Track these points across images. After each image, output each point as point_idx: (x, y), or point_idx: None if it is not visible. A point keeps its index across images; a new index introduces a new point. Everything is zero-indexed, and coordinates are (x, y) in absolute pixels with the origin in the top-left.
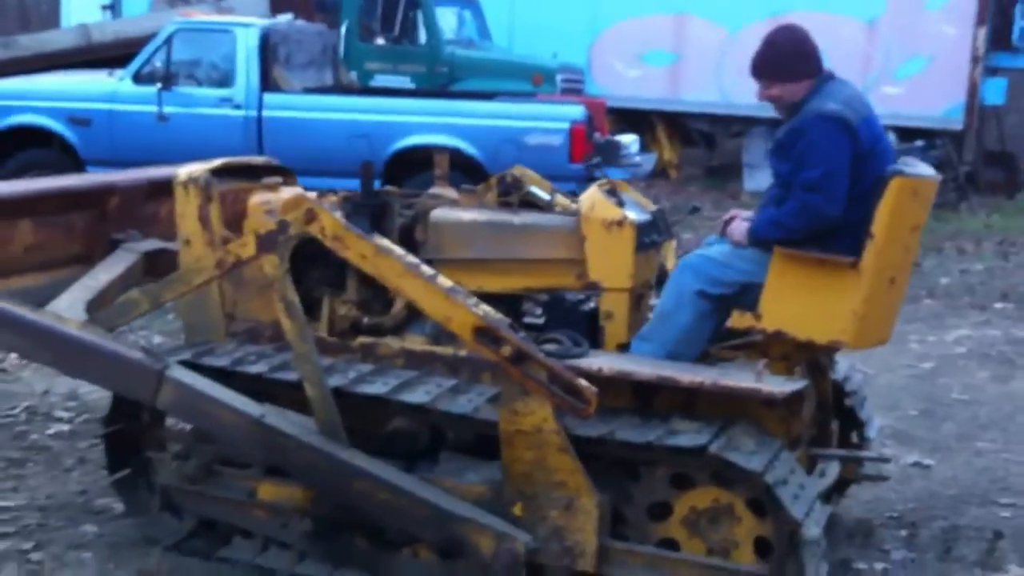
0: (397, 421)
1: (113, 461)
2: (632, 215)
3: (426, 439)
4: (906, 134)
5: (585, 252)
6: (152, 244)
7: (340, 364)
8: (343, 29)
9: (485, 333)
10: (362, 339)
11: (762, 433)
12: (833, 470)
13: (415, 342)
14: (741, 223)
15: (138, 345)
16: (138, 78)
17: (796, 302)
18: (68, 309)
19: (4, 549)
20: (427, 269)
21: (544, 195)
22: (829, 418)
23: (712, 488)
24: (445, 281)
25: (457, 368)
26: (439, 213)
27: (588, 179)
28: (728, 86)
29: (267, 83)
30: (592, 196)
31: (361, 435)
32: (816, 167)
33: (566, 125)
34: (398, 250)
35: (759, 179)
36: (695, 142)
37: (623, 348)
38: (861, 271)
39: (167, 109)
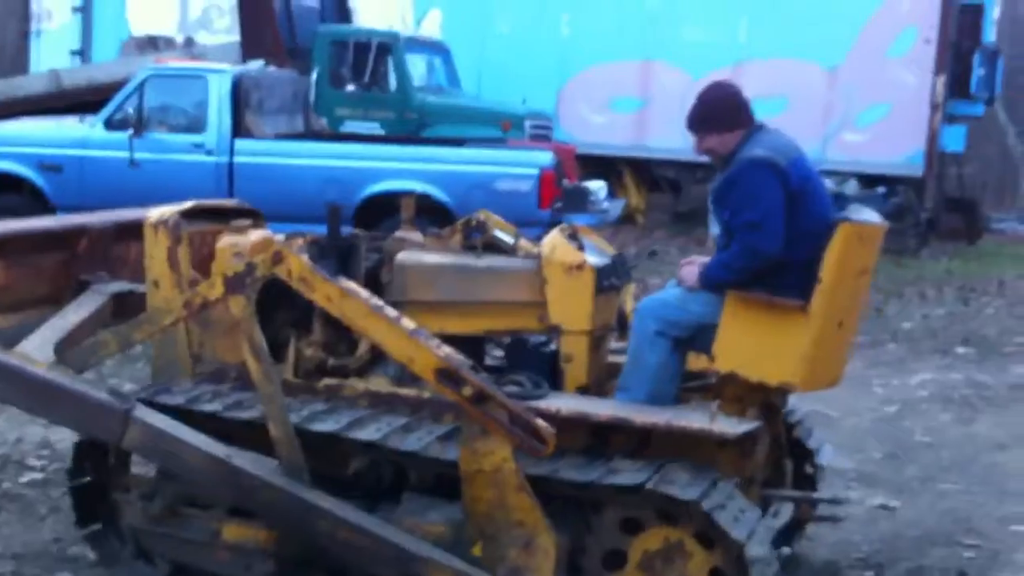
0: (357, 461)
1: (81, 512)
2: (592, 259)
3: (388, 479)
4: (867, 181)
5: (546, 295)
6: (121, 286)
7: (295, 403)
8: (314, 76)
9: (447, 374)
10: (327, 381)
11: (699, 468)
12: (786, 511)
13: (379, 384)
14: (692, 268)
15: (104, 386)
16: (110, 124)
17: (748, 345)
18: (36, 350)
19: None
20: (391, 311)
21: (508, 239)
22: (783, 457)
23: (661, 528)
24: (409, 323)
25: (419, 409)
26: (404, 256)
27: (555, 224)
28: None
29: (239, 129)
30: (553, 240)
31: (325, 477)
32: (752, 210)
33: (535, 171)
34: (363, 292)
35: None
36: (662, 188)
37: (582, 390)
38: (810, 315)
39: (138, 155)
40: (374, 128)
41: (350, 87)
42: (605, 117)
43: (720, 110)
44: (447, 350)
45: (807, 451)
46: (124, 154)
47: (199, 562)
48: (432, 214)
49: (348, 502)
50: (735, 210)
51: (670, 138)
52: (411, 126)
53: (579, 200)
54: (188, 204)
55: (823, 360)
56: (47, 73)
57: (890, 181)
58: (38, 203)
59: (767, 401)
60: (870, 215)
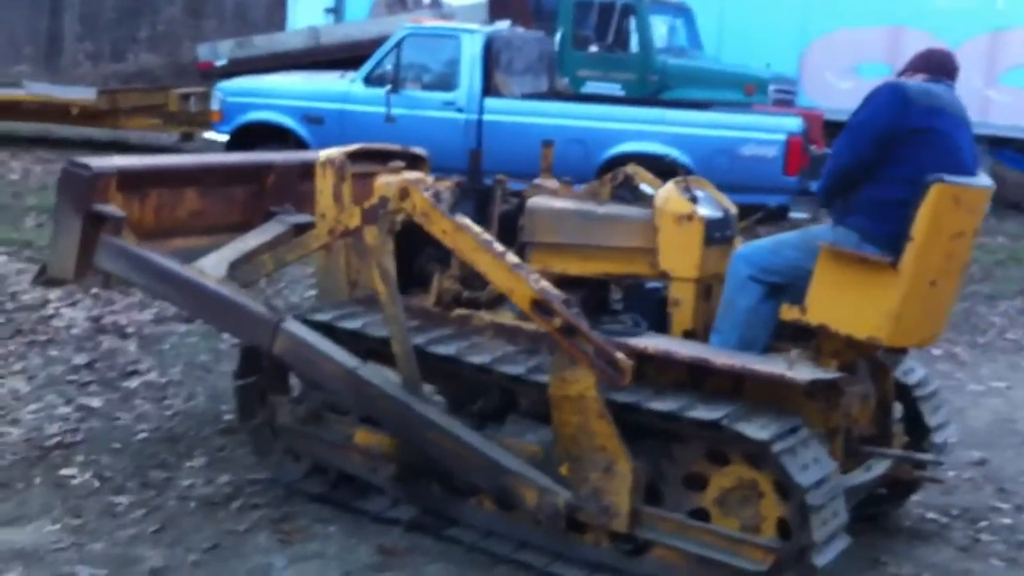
0: (472, 383)
1: (244, 410)
2: (703, 211)
3: (496, 401)
4: None
5: (657, 243)
6: (302, 218)
7: (428, 327)
8: (558, 36)
9: (541, 306)
10: (459, 311)
11: (782, 413)
12: (880, 467)
13: (504, 317)
14: None
15: (262, 300)
16: (369, 80)
17: (839, 298)
18: (212, 266)
19: (258, 517)
20: (498, 246)
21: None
22: (889, 419)
23: (738, 467)
24: (513, 258)
25: (537, 341)
26: (534, 201)
27: (802, 193)
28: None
29: (489, 88)
30: (667, 191)
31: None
32: (855, 116)
33: (783, 137)
34: (475, 228)
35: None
36: None
37: (688, 334)
38: (900, 272)
39: (395, 110)
40: (614, 89)
41: (593, 48)
42: (850, 82)
43: (916, 56)
44: (544, 284)
45: (924, 427)
46: (381, 109)
47: (335, 461)
48: (673, 176)
49: (458, 418)
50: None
51: None
52: (652, 88)
53: None
54: (355, 146)
55: (912, 318)
56: (306, 30)
57: None
58: None
59: (875, 360)
60: (975, 179)
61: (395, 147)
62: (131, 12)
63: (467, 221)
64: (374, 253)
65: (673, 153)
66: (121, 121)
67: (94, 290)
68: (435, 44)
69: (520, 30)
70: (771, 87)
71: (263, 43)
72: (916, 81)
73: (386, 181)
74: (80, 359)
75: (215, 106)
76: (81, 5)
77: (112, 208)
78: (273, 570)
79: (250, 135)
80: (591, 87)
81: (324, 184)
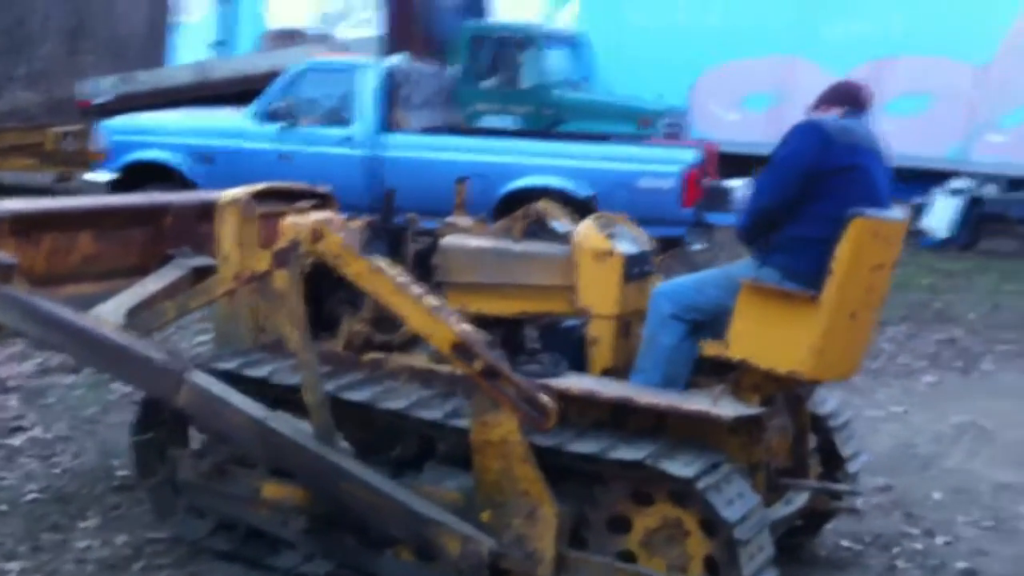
0: (387, 430)
1: (142, 466)
2: (622, 247)
3: (414, 449)
4: (1013, 184)
5: (576, 279)
6: (202, 260)
7: (338, 373)
8: (452, 70)
9: (461, 348)
10: (371, 355)
11: (705, 450)
12: (800, 499)
13: (419, 360)
14: None
15: (164, 349)
16: (262, 116)
17: (760, 333)
18: (110, 313)
19: None
20: (416, 288)
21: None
22: (805, 450)
23: (662, 506)
24: (431, 299)
25: (453, 385)
26: (448, 240)
27: (698, 224)
28: None
29: (388, 122)
30: (585, 227)
31: (361, 444)
32: (775, 155)
33: (678, 169)
34: (391, 270)
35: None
36: None
37: (608, 372)
38: (821, 305)
39: (289, 147)
40: (510, 123)
41: (488, 82)
42: (738, 114)
43: (829, 89)
44: (464, 326)
45: (838, 457)
46: (275, 146)
47: (242, 516)
48: (575, 211)
49: (374, 468)
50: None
51: None
52: (547, 121)
53: (721, 199)
54: (260, 186)
55: (835, 351)
56: (193, 64)
57: None
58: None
59: (791, 393)
60: (891, 212)
61: (302, 186)
62: (6, 49)
63: (383, 263)
64: (285, 298)
65: (572, 186)
66: None
67: None
68: (333, 78)
69: (420, 64)
70: (663, 119)
71: (148, 78)
72: (832, 116)
73: (295, 222)
74: None
75: (99, 144)
76: None
77: (2, 255)
78: None
79: (137, 175)
80: (488, 121)
81: (226, 226)
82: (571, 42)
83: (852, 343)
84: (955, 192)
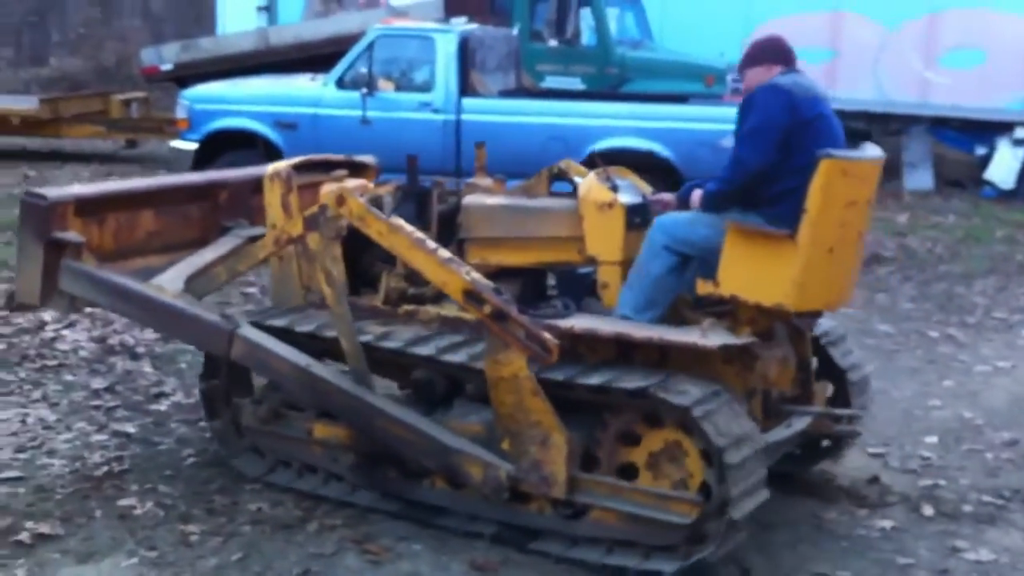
0: (418, 373)
1: (209, 411)
2: (623, 198)
3: (443, 388)
4: None
5: (583, 230)
6: (256, 230)
7: (371, 325)
8: (515, 31)
9: (471, 295)
10: (406, 307)
11: (703, 381)
12: (800, 423)
13: (449, 310)
14: (698, 191)
15: (217, 310)
16: (341, 83)
17: (746, 270)
18: (169, 282)
19: (339, 538)
20: (431, 243)
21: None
22: (810, 379)
23: (663, 431)
24: (444, 253)
25: (479, 331)
26: (470, 199)
27: None
28: (886, 84)
29: (465, 87)
30: (589, 181)
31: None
32: (748, 123)
33: None
34: (408, 227)
35: (920, 178)
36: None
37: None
38: (798, 242)
39: (370, 113)
40: (574, 83)
41: (551, 42)
42: None
43: (756, 49)
44: (475, 275)
45: (838, 368)
46: (356, 112)
47: (297, 454)
48: (656, 171)
49: (407, 406)
50: (739, 122)
51: (861, 89)
52: (612, 81)
53: None
54: (300, 159)
55: (816, 284)
56: (255, 31)
57: None
58: (273, 159)
59: (791, 325)
60: (862, 151)
61: (339, 157)
62: (43, 14)
63: (400, 222)
64: (319, 258)
65: (655, 147)
66: (63, 129)
67: (88, 309)
68: (410, 44)
69: (491, 28)
70: (729, 77)
71: (210, 46)
72: (781, 75)
73: (327, 189)
74: (99, 383)
75: (181, 114)
76: None
77: (71, 234)
78: None
79: (220, 143)
80: (551, 82)
81: (273, 196)
82: (627, 1)
83: (834, 276)
84: (1018, 143)
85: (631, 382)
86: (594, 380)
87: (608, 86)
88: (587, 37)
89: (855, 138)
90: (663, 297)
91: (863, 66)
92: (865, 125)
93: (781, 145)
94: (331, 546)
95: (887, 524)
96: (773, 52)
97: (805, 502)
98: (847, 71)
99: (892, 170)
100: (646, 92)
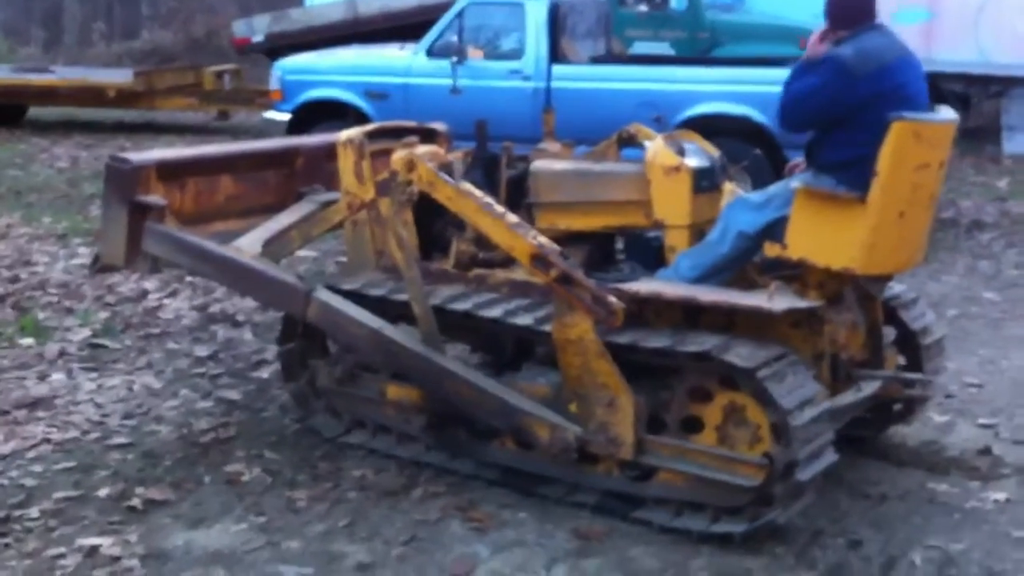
0: (489, 335)
1: (287, 373)
2: (690, 162)
3: (510, 351)
4: None
5: (650, 194)
6: (331, 196)
7: (440, 288)
8: None
9: (538, 258)
10: (476, 271)
11: (768, 343)
12: (870, 387)
13: (517, 274)
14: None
15: (294, 273)
16: (431, 52)
17: (815, 234)
18: (248, 244)
19: (443, 505)
20: (499, 207)
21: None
22: (880, 343)
23: (730, 393)
24: (512, 217)
25: (547, 294)
26: (537, 164)
27: None
28: (987, 45)
29: (555, 55)
30: (655, 146)
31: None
32: (799, 81)
33: None
34: (476, 192)
35: (1021, 142)
36: (949, 103)
37: None
38: (868, 205)
39: (460, 82)
40: (664, 48)
41: (641, 7)
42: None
43: (837, 7)
44: (541, 239)
45: (912, 331)
46: (446, 81)
47: (370, 416)
48: (751, 136)
49: (477, 367)
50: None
51: (960, 50)
52: (703, 45)
53: None
54: (372, 126)
55: (885, 247)
56: (344, 2)
57: None
58: None
59: (860, 289)
60: (935, 114)
61: (411, 124)
62: None
63: (469, 187)
64: (390, 222)
65: (749, 112)
66: (157, 102)
67: (189, 278)
68: (498, 12)
69: None
70: None
71: (300, 17)
72: (847, 43)
73: (397, 155)
74: (202, 351)
75: (274, 85)
76: None
77: (154, 197)
78: (479, 560)
79: (312, 113)
80: (640, 47)
81: (346, 163)
82: None
83: (904, 239)
84: None
85: (695, 345)
86: (659, 343)
87: (699, 51)
88: (677, 1)
89: (949, 101)
90: (725, 274)
91: (962, 27)
92: (964, 88)
93: (828, 120)
94: (435, 513)
95: (1000, 496)
96: (846, 12)
97: (915, 474)
98: (945, 32)
99: (992, 134)
100: (740, 56)
